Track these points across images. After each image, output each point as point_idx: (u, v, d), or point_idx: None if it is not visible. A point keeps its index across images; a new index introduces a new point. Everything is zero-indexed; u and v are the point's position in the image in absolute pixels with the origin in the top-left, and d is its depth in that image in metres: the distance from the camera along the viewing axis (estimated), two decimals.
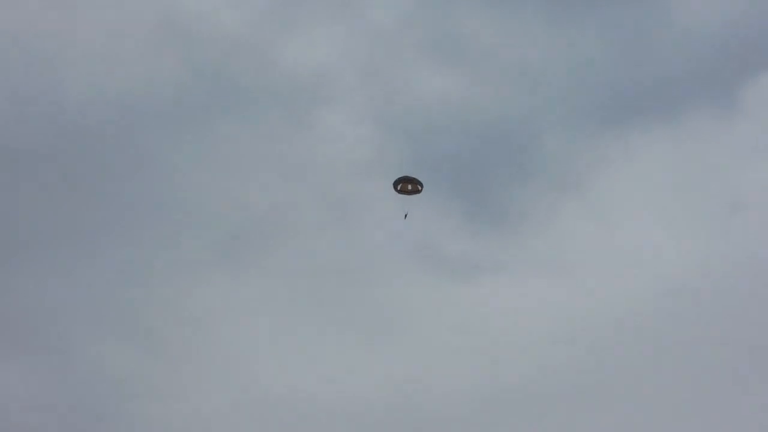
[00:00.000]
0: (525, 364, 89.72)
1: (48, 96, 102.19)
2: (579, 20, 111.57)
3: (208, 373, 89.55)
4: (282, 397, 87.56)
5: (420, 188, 71.18)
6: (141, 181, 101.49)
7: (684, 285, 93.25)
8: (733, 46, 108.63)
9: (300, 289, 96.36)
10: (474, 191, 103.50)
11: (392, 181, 71.51)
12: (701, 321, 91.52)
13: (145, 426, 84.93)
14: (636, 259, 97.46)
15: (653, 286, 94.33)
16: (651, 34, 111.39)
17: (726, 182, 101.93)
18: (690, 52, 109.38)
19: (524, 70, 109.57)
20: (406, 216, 71.30)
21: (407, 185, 71.20)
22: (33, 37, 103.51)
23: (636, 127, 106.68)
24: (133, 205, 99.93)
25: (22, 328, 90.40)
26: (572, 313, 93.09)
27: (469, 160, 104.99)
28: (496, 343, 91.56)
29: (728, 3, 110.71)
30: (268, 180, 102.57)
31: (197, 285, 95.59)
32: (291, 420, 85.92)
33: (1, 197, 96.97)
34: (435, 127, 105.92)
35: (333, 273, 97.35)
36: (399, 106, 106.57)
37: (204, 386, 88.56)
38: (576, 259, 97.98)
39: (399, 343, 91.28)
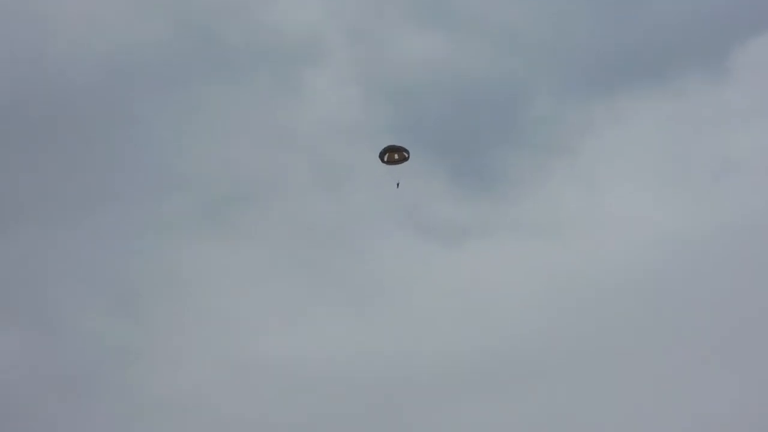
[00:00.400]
0: (513, 328, 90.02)
1: (33, 56, 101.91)
2: None
3: (197, 338, 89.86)
4: (270, 361, 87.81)
5: (407, 156, 70.61)
6: (127, 145, 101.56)
7: (673, 247, 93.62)
8: (722, 8, 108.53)
9: (287, 252, 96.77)
10: (462, 155, 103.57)
11: (378, 152, 70.97)
12: (690, 282, 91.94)
13: (134, 392, 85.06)
14: (625, 222, 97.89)
15: (642, 248, 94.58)
16: None
17: (715, 145, 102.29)
18: (680, 15, 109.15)
19: (513, 33, 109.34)
20: (398, 185, 70.81)
21: (393, 155, 70.55)
22: None
23: (625, 90, 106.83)
24: (119, 169, 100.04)
25: (8, 296, 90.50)
26: (561, 276, 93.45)
27: (456, 124, 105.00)
28: (484, 307, 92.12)
29: None
30: (255, 142, 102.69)
31: (184, 250, 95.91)
32: (280, 384, 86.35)
33: None
34: (422, 90, 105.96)
35: (320, 236, 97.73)
36: (386, 69, 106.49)
37: (193, 351, 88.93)
38: (565, 222, 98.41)
39: (387, 306, 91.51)
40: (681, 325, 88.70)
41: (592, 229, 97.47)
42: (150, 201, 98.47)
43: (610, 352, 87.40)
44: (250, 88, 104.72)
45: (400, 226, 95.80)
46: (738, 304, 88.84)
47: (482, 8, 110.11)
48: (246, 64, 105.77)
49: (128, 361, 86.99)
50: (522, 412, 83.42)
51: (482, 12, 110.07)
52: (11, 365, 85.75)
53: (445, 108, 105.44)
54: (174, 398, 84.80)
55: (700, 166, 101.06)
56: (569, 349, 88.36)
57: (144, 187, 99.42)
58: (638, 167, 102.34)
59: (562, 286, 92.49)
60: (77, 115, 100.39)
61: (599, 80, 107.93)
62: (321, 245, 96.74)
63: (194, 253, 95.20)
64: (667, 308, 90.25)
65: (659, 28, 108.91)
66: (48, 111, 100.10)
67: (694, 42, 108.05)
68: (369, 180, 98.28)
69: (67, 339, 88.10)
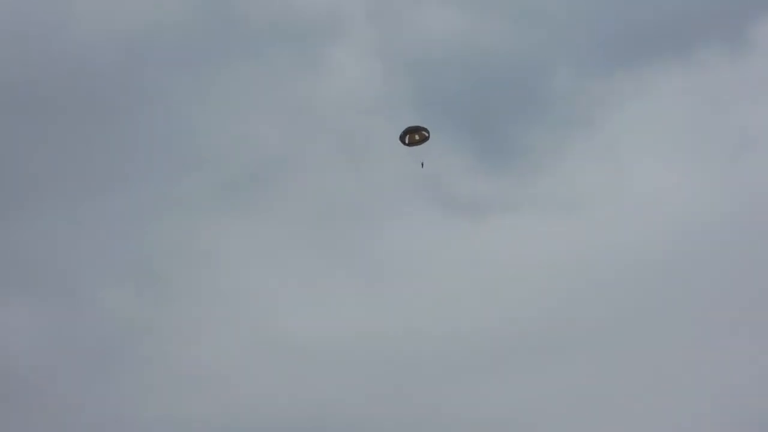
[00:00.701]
0: (534, 303, 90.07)
1: (54, 35, 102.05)
2: None
3: (216, 313, 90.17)
4: (289, 336, 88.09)
5: (427, 135, 69.99)
6: (147, 121, 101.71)
7: (694, 222, 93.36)
8: None
9: (307, 228, 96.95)
10: (483, 129, 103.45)
11: (398, 130, 70.50)
12: (712, 257, 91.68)
13: (152, 367, 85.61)
14: (646, 197, 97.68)
15: (664, 223, 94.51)
16: None
17: (737, 119, 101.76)
18: None
19: (534, 6, 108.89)
20: (423, 165, 70.35)
21: (414, 136, 69.79)
22: None
23: (647, 64, 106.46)
24: (140, 145, 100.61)
25: (28, 270, 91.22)
26: (583, 251, 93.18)
27: (478, 98, 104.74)
28: (505, 282, 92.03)
29: None
30: (275, 118, 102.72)
31: (204, 225, 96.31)
32: (298, 359, 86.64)
33: (6, 137, 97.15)
34: (443, 65, 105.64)
35: (340, 212, 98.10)
36: (407, 43, 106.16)
37: (211, 326, 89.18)
38: (586, 197, 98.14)
39: (407, 282, 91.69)
40: (702, 300, 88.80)
41: (613, 204, 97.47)
42: (170, 177, 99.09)
43: (630, 328, 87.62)
44: (269, 64, 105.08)
45: (420, 202, 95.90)
46: (759, 279, 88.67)
47: None
48: (266, 39, 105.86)
49: (147, 336, 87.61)
50: (542, 388, 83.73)
51: None
52: (32, 340, 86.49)
53: (466, 82, 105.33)
54: (192, 372, 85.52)
55: (721, 139, 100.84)
56: (589, 325, 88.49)
57: (164, 164, 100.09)
58: (660, 141, 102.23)
59: (583, 261, 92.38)
60: (96, 93, 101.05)
61: (620, 54, 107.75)
62: (341, 221, 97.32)
63: (213, 229, 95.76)
64: (688, 283, 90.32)
65: (681, 0, 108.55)
66: (66, 90, 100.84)
67: (716, 15, 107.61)
68: (389, 155, 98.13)
69: (88, 314, 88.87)
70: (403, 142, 70.01)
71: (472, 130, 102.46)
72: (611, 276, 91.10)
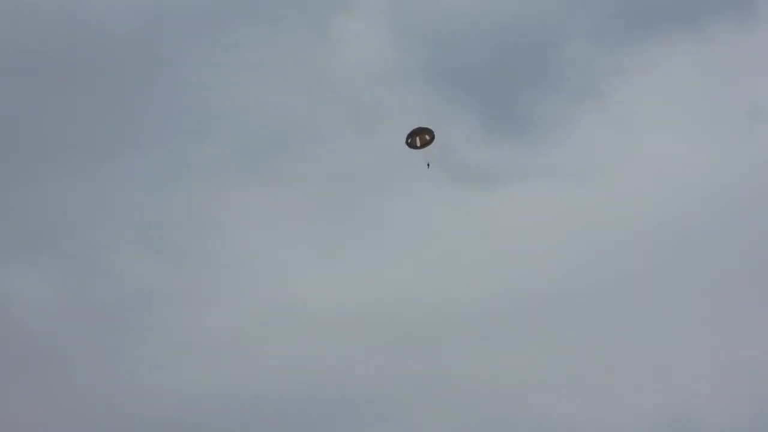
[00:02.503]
0: (545, 271, 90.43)
1: (70, 1, 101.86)
2: None
3: (230, 281, 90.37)
4: (302, 304, 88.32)
5: (430, 138, 69.34)
6: (162, 87, 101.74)
7: (704, 190, 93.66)
8: None
9: (320, 196, 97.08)
10: (494, 99, 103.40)
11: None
12: (722, 225, 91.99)
13: (166, 334, 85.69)
14: (656, 166, 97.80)
15: (673, 192, 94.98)
16: None
17: (747, 89, 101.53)
18: None
19: None
20: (428, 165, 70.26)
21: (416, 139, 68.85)
22: None
23: (656, 34, 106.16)
24: (154, 111, 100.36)
25: (42, 236, 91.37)
26: (593, 219, 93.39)
27: (488, 67, 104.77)
28: (516, 251, 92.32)
29: None
30: (289, 86, 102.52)
31: (217, 192, 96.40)
32: (311, 327, 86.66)
33: (23, 104, 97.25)
34: (454, 34, 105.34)
35: (353, 180, 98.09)
36: (419, 13, 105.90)
37: (225, 294, 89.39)
38: (596, 166, 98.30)
39: (420, 250, 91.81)
40: (713, 267, 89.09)
41: (623, 173, 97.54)
42: (183, 144, 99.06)
43: (642, 296, 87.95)
44: (284, 33, 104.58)
45: (431, 170, 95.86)
46: None
47: None
48: (280, 8, 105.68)
49: (161, 303, 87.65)
50: (554, 356, 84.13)
51: None
52: (44, 304, 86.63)
53: (477, 52, 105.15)
54: (206, 340, 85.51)
55: (730, 110, 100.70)
56: (601, 293, 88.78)
57: (178, 131, 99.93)
58: (669, 111, 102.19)
59: (593, 230, 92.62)
60: (111, 59, 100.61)
61: (631, 25, 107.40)
62: (353, 190, 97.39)
63: (227, 197, 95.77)
64: (699, 251, 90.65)
65: None
66: (81, 55, 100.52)
67: None
68: (402, 124, 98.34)
69: (100, 280, 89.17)
70: (415, 146, 69.47)
71: (482, 99, 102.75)
72: (622, 244, 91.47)
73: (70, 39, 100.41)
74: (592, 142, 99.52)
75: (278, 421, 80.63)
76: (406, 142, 69.30)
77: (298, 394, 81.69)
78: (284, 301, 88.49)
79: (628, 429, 79.61)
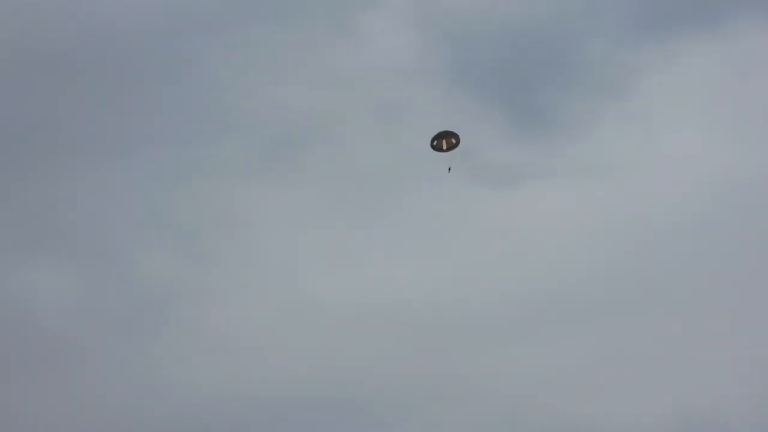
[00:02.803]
0: (566, 270, 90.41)
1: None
2: None
3: (247, 278, 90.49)
4: (322, 302, 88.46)
5: (456, 142, 69.43)
6: (182, 86, 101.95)
7: (725, 190, 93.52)
8: None
9: (341, 194, 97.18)
10: (516, 96, 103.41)
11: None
12: (743, 225, 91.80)
13: (190, 329, 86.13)
14: (678, 164, 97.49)
15: (695, 190, 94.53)
16: None
17: (766, 87, 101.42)
18: None
19: None
20: (449, 170, 70.49)
21: (447, 140, 69.25)
22: None
23: (677, 33, 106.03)
24: (174, 110, 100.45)
25: (61, 233, 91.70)
26: (614, 218, 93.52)
27: (510, 66, 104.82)
28: (537, 250, 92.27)
29: None
30: (310, 85, 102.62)
31: (237, 190, 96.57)
32: (331, 325, 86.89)
33: (44, 101, 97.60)
34: (477, 33, 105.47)
35: (374, 178, 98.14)
36: (441, 11, 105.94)
37: (242, 291, 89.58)
38: (618, 164, 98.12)
39: (441, 249, 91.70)
40: (734, 266, 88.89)
41: (645, 172, 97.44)
42: (204, 142, 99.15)
43: (663, 294, 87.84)
44: (305, 30, 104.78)
45: (454, 169, 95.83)
46: None
47: None
48: (303, 6, 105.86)
49: (179, 300, 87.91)
50: (573, 355, 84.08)
51: None
52: (64, 302, 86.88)
53: (499, 50, 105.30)
54: (224, 337, 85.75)
55: (751, 109, 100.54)
56: (622, 291, 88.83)
57: (199, 129, 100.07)
58: (691, 110, 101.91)
59: (615, 229, 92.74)
60: (132, 57, 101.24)
61: (652, 23, 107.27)
62: (374, 188, 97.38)
63: (247, 195, 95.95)
64: (720, 250, 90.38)
65: None
66: (102, 52, 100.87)
67: None
68: (424, 123, 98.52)
69: (121, 277, 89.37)
70: (437, 147, 69.63)
71: (504, 98, 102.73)
72: (643, 243, 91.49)
73: (93, 37, 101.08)
74: (613, 141, 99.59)
75: (295, 419, 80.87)
76: (432, 145, 69.35)
77: (314, 391, 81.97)
78: (302, 299, 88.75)
79: (644, 429, 79.79)
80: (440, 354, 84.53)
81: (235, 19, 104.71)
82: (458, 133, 69.58)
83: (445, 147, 69.22)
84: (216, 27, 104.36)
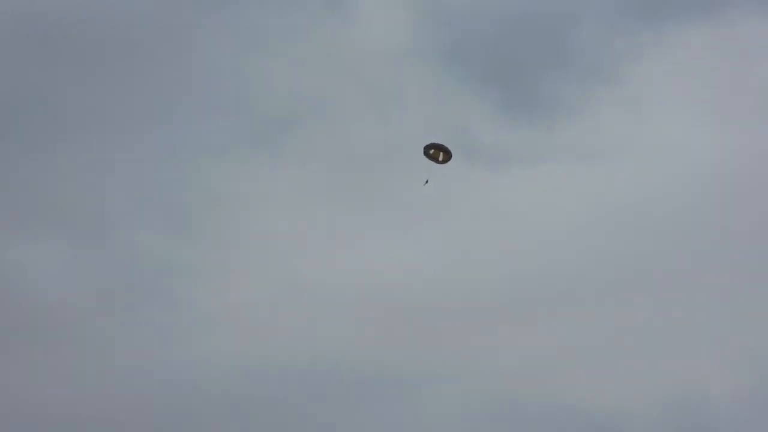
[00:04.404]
0: (556, 253, 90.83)
1: None
2: None
3: (244, 256, 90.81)
4: (313, 281, 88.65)
5: (449, 156, 69.52)
6: (174, 67, 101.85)
7: (718, 175, 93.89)
8: None
9: (333, 175, 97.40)
10: (509, 80, 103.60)
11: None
12: (735, 210, 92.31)
13: (181, 307, 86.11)
14: (670, 150, 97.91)
15: (687, 176, 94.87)
16: None
17: (762, 73, 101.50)
18: None
19: None
20: (426, 182, 70.65)
21: (439, 153, 68.92)
22: None
23: (672, 18, 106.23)
24: (170, 90, 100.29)
25: (59, 210, 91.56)
26: (604, 202, 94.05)
27: (504, 49, 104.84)
28: (528, 231, 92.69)
29: None
30: (303, 66, 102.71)
31: (232, 170, 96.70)
32: (322, 304, 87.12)
33: (38, 79, 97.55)
34: (470, 15, 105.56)
35: (366, 159, 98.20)
36: None
37: (240, 269, 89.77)
38: (609, 149, 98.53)
39: (432, 230, 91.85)
40: (726, 251, 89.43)
41: (636, 156, 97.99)
42: (201, 123, 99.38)
43: (652, 278, 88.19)
44: (300, 12, 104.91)
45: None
46: None
47: None
48: None
49: (176, 278, 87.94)
50: (561, 338, 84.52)
51: None
52: (61, 279, 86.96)
53: (492, 33, 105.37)
54: (218, 314, 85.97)
55: (745, 93, 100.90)
56: (612, 274, 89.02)
57: (193, 109, 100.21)
58: (684, 96, 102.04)
59: (606, 212, 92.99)
60: (130, 37, 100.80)
61: (646, 7, 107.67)
62: (367, 168, 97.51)
63: (242, 174, 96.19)
64: (712, 234, 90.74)
65: None
66: (101, 32, 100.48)
67: None
68: (415, 104, 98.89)
69: (117, 255, 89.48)
70: (433, 157, 69.48)
71: (497, 80, 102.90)
72: (633, 227, 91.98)
73: (88, 15, 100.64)
74: (606, 124, 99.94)
75: (288, 394, 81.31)
76: (427, 153, 69.41)
77: (305, 368, 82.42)
78: (296, 277, 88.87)
79: (635, 409, 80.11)
80: (430, 334, 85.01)
81: (228, 0, 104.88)
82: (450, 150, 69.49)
83: (441, 159, 69.17)
84: (210, 9, 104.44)
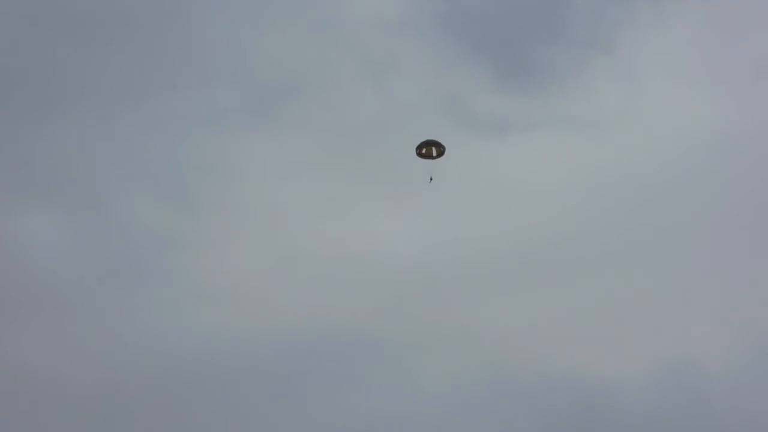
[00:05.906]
0: (550, 222, 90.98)
1: None
2: None
3: (240, 227, 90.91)
4: (310, 251, 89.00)
5: (443, 150, 69.61)
6: (174, 37, 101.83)
7: (710, 144, 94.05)
8: None
9: (330, 146, 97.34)
10: (504, 49, 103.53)
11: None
12: (728, 179, 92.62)
13: (180, 279, 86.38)
14: (664, 119, 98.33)
15: (681, 143, 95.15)
16: None
17: (756, 44, 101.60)
18: None
19: None
20: (431, 179, 70.64)
21: (431, 149, 69.10)
22: None
23: None
24: (167, 61, 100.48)
25: (56, 181, 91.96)
26: (598, 171, 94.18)
27: (499, 18, 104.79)
28: (522, 201, 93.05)
29: None
30: (301, 36, 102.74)
31: (229, 140, 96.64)
32: (319, 274, 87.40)
33: (34, 50, 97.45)
34: None
35: (364, 129, 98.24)
36: None
37: (235, 241, 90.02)
38: (604, 117, 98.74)
39: (429, 199, 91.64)
40: (717, 219, 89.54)
41: (631, 125, 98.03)
42: (196, 93, 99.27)
43: (646, 246, 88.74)
44: None
45: (441, 119, 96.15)
46: None
47: None
48: None
49: (173, 249, 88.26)
50: (558, 305, 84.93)
51: None
52: (57, 250, 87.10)
53: (487, 2, 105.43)
54: (216, 284, 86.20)
55: (739, 63, 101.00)
56: (606, 242, 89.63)
57: (191, 79, 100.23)
58: (678, 65, 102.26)
59: (601, 180, 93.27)
60: (127, 8, 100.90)
61: None
62: (365, 138, 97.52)
63: (239, 145, 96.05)
64: (704, 203, 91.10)
65: None
66: (97, 3, 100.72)
67: None
68: (413, 73, 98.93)
69: (114, 226, 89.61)
70: (427, 155, 69.57)
71: (494, 49, 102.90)
72: (628, 194, 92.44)
73: None
74: (600, 93, 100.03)
75: (286, 364, 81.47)
76: (419, 152, 69.38)
77: (301, 338, 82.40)
78: (291, 248, 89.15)
79: (628, 375, 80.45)
80: (426, 303, 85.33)
81: None
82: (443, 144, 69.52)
83: (435, 154, 69.27)
84: None
